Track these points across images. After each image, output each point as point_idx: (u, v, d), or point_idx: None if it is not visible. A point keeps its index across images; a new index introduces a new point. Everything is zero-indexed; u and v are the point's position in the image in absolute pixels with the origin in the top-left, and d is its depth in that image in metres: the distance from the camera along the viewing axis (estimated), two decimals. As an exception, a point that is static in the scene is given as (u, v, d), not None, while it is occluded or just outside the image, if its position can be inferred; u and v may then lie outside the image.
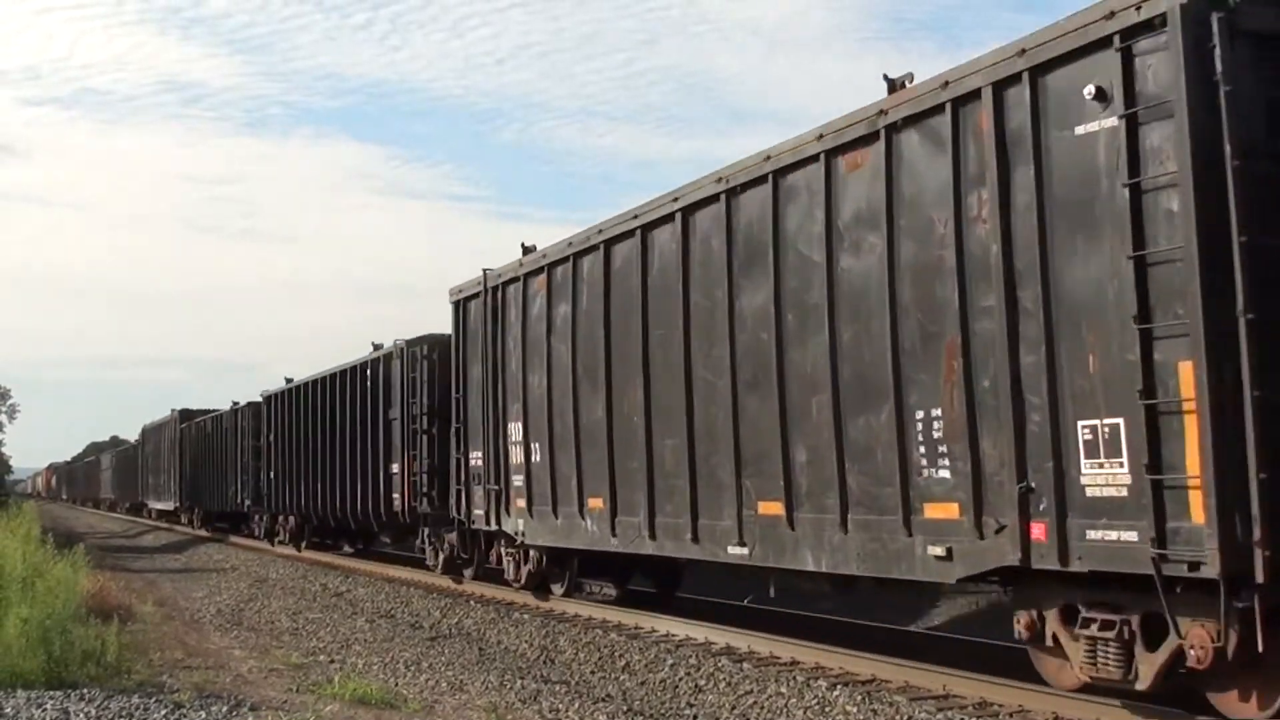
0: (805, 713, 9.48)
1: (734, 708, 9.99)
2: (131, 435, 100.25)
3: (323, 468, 25.25)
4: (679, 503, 11.84)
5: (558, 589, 15.97)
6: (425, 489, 18.74)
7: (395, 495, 20.54)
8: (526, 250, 15.57)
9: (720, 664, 11.24)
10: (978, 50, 8.97)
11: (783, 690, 10.09)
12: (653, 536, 12.30)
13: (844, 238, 9.68)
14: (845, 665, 10.64)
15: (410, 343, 19.85)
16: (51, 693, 9.55)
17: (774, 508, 10.42)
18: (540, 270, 14.85)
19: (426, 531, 19.37)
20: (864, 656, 10.62)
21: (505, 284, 15.91)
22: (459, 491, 17.34)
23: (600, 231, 13.41)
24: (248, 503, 33.29)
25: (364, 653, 13.47)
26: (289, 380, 29.42)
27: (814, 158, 9.94)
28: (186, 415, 44.00)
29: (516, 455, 15.47)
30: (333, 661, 12.83)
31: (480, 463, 16.53)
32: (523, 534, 15.42)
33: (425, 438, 18.84)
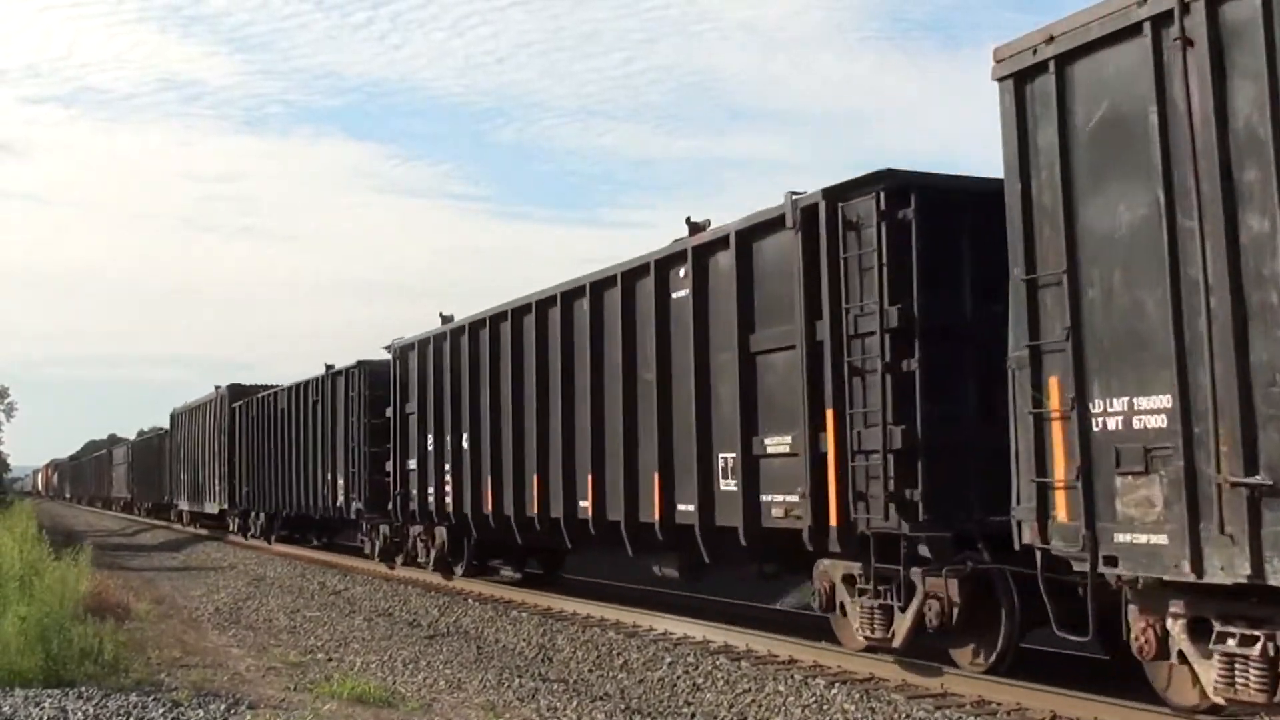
0: (803, 711, 9.34)
1: (732, 706, 9.84)
2: (130, 434, 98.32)
3: (540, 451, 15.23)
4: None
5: None
6: (891, 485, 9.46)
7: (775, 497, 10.74)
8: None
9: (718, 662, 11.04)
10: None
11: (781, 689, 9.93)
12: None
13: None
14: (843, 664, 10.44)
15: (832, 193, 10.04)
16: (49, 691, 9.50)
17: None
18: None
19: (878, 581, 9.96)
20: (862, 655, 10.40)
21: None
22: (1044, 492, 7.94)
23: None
24: (357, 506, 23.03)
25: (362, 651, 13.29)
26: (447, 318, 18.80)
27: None
28: (239, 391, 34.02)
29: None
30: (331, 660, 12.68)
31: (1160, 423, 7.21)
32: None
33: (887, 381, 9.50)
